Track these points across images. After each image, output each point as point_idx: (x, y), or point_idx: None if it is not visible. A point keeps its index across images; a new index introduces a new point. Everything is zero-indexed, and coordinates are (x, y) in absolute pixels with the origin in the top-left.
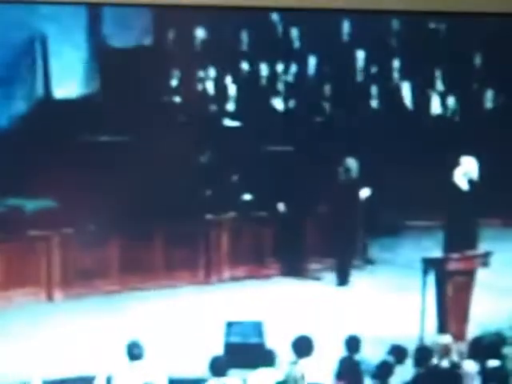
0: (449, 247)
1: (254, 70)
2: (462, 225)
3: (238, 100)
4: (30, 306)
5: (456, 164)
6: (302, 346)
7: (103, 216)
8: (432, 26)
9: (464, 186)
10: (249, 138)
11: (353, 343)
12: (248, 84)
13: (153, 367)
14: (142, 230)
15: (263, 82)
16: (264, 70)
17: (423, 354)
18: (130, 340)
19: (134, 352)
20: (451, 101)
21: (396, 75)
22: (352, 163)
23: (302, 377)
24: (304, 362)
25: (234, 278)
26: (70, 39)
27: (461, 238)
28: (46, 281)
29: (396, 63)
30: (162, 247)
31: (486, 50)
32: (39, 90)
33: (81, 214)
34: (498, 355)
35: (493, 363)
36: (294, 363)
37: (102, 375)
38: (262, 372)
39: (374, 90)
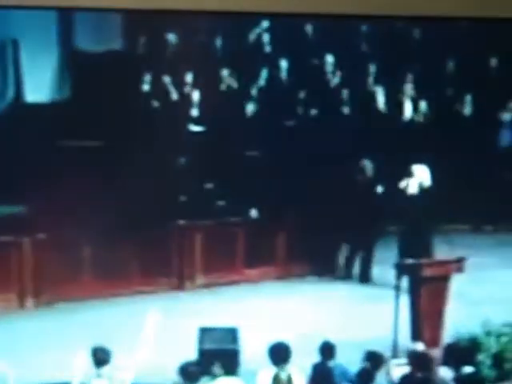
0: (402, 255)
1: (227, 75)
2: (415, 232)
3: (211, 105)
4: (1, 313)
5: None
6: (279, 353)
7: (75, 221)
8: (403, 30)
9: (415, 194)
10: (222, 143)
11: (327, 349)
12: (221, 89)
13: (120, 373)
14: (115, 236)
15: (235, 86)
16: (236, 74)
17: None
18: (95, 345)
19: (99, 357)
20: (422, 106)
21: (368, 80)
22: (368, 164)
23: (289, 382)
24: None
25: (208, 284)
26: (41, 44)
27: (414, 246)
28: (18, 288)
29: (368, 68)
30: (134, 253)
31: (459, 55)
32: (10, 94)
33: (52, 219)
34: (472, 362)
35: (467, 370)
36: (281, 368)
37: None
38: (235, 380)
39: (345, 94)
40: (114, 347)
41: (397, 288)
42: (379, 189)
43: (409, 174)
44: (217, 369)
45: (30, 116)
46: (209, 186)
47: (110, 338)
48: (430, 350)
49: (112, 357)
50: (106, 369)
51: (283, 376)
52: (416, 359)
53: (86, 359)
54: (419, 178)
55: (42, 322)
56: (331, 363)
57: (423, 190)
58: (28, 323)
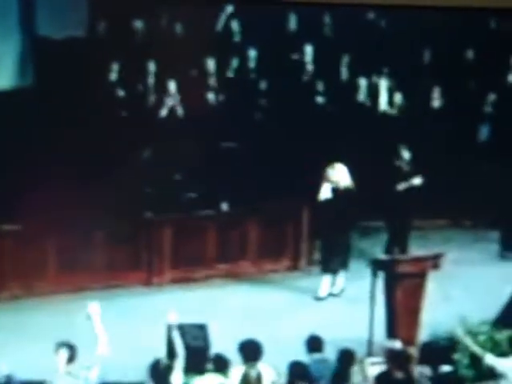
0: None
1: (195, 64)
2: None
3: (180, 94)
4: None
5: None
6: (250, 350)
7: (40, 214)
8: (374, 19)
9: (327, 195)
10: (191, 134)
11: (314, 343)
12: (189, 78)
13: (85, 370)
14: (82, 230)
15: (204, 75)
16: (205, 63)
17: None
18: (60, 342)
19: (59, 352)
20: (398, 98)
21: (344, 71)
22: (406, 153)
23: (259, 380)
24: (259, 365)
25: (177, 279)
26: (2, 30)
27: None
28: None
29: (343, 59)
30: (101, 247)
31: (435, 46)
32: None
33: (18, 211)
34: (449, 360)
35: (445, 368)
36: (251, 366)
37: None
38: (209, 377)
39: (320, 85)
40: (80, 343)
41: (373, 285)
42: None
43: (325, 177)
44: (209, 365)
45: None
46: (177, 177)
47: (77, 333)
48: (406, 348)
49: (77, 353)
50: (70, 366)
51: (252, 374)
52: (394, 357)
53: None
54: (337, 178)
55: (6, 317)
56: (317, 357)
57: (343, 191)
58: None
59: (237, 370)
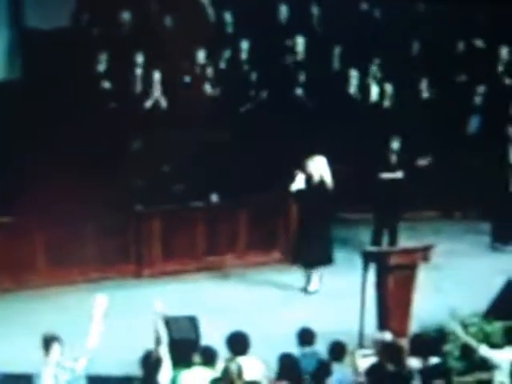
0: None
1: (184, 55)
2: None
3: (169, 86)
4: None
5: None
6: (238, 343)
7: (30, 207)
8: (367, 10)
9: (300, 186)
10: (181, 125)
11: (306, 336)
12: (178, 69)
13: (71, 362)
14: (71, 222)
15: (194, 67)
16: (196, 55)
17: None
18: (45, 335)
19: (51, 345)
20: (388, 89)
21: (335, 62)
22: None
23: (239, 374)
24: (241, 359)
25: (167, 271)
26: None
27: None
28: None
29: (335, 50)
30: (91, 240)
31: (426, 38)
32: None
33: (6, 205)
34: (439, 352)
35: (433, 360)
36: (231, 360)
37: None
38: (197, 370)
39: (309, 76)
40: (70, 336)
41: (363, 277)
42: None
43: (303, 167)
44: (196, 358)
45: None
46: (167, 169)
47: (66, 326)
48: (397, 340)
49: (63, 345)
50: (58, 358)
51: (233, 367)
52: (385, 349)
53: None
54: (312, 170)
55: None
56: (307, 350)
57: (318, 183)
58: None
59: (221, 364)
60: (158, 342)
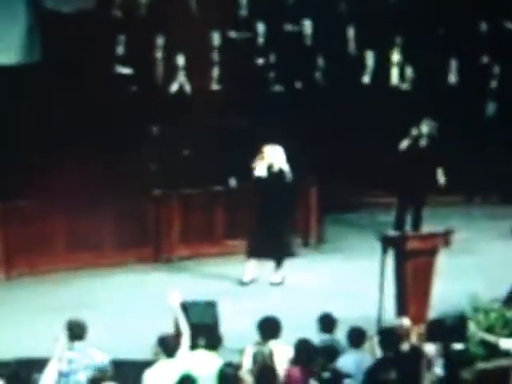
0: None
1: (205, 37)
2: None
3: (189, 69)
4: None
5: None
6: (269, 328)
7: (48, 191)
8: None
9: (263, 174)
10: (200, 110)
11: (327, 322)
12: (197, 52)
13: (96, 348)
14: (90, 207)
15: (214, 50)
16: (215, 37)
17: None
18: (71, 319)
19: (76, 331)
20: (410, 72)
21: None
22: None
23: (271, 357)
24: (270, 343)
25: (186, 256)
26: (10, 5)
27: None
28: None
29: (351, 32)
30: (109, 223)
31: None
32: None
33: (26, 188)
34: (460, 338)
35: (457, 346)
36: (262, 344)
37: (53, 357)
38: (200, 353)
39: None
40: (87, 320)
41: (382, 262)
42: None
43: (261, 156)
44: (201, 341)
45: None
46: (186, 153)
47: (83, 310)
48: (415, 326)
49: (86, 332)
50: (79, 343)
51: (265, 351)
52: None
53: (63, 335)
54: (274, 158)
55: (14, 295)
56: (326, 337)
57: (278, 173)
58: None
59: (250, 348)
60: (178, 332)
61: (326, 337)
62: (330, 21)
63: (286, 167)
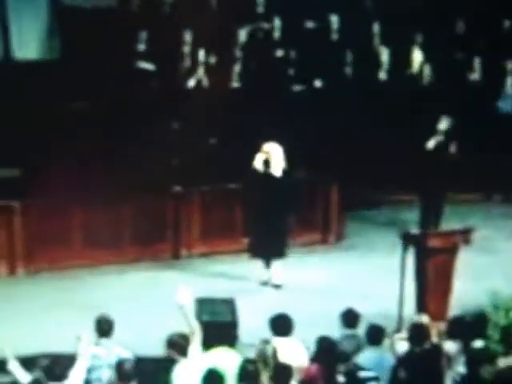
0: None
1: (226, 32)
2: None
3: (209, 64)
4: None
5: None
6: (281, 325)
7: (67, 187)
8: None
9: (261, 168)
10: (220, 105)
11: (350, 318)
12: (218, 48)
13: (118, 347)
14: (108, 202)
15: (236, 45)
16: (237, 32)
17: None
18: (100, 315)
19: (104, 328)
20: (429, 68)
21: (374, 41)
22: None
23: (274, 355)
24: (278, 340)
25: (205, 253)
26: (28, 0)
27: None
28: (8, 254)
29: (374, 28)
30: (128, 220)
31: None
32: None
33: (43, 185)
34: (480, 335)
35: (477, 344)
36: (266, 341)
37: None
38: (229, 351)
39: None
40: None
41: (402, 259)
42: None
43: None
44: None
45: (19, 75)
46: (205, 149)
47: (102, 306)
48: (435, 324)
49: (113, 329)
50: (106, 341)
51: (268, 350)
52: (411, 331)
53: (89, 333)
54: (272, 156)
55: (32, 290)
56: (348, 332)
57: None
58: (19, 291)
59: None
60: (191, 330)
61: (348, 332)
62: (354, 18)
63: (283, 165)
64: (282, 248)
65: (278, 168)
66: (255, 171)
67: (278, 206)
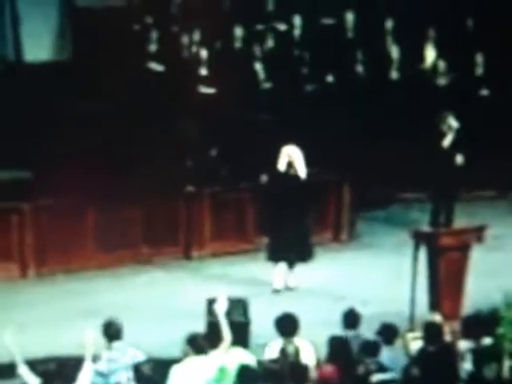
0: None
1: (235, 33)
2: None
3: (218, 65)
4: (3, 283)
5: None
6: (287, 325)
7: (80, 188)
8: None
9: (283, 167)
10: (229, 106)
11: (351, 318)
12: (231, 47)
13: (132, 349)
14: (120, 204)
15: (243, 45)
16: (244, 33)
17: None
18: (107, 320)
19: (112, 331)
20: (442, 65)
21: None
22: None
23: (297, 353)
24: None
25: (217, 253)
26: (40, 2)
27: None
28: (20, 256)
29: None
30: (141, 220)
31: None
32: (10, 53)
33: (57, 186)
34: (492, 334)
35: (486, 341)
36: (288, 341)
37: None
38: (240, 351)
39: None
40: (120, 319)
41: (414, 258)
42: None
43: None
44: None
45: (31, 77)
46: (216, 150)
47: (115, 307)
48: (448, 323)
49: (123, 332)
50: (118, 343)
51: (290, 349)
52: (425, 330)
53: (95, 335)
54: (293, 158)
55: (44, 292)
56: (351, 333)
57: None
58: (30, 294)
59: (275, 344)
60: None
61: (350, 333)
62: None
63: (303, 168)
64: (310, 251)
65: (302, 170)
66: (279, 173)
67: (301, 209)
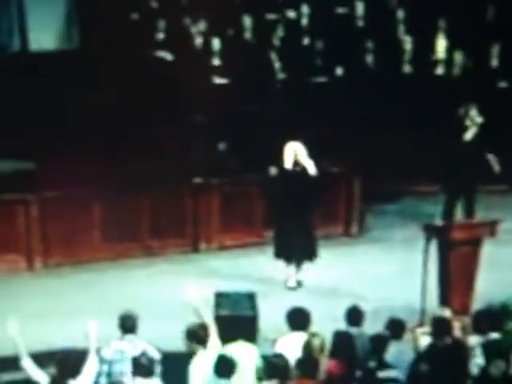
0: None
1: (246, 23)
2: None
3: (228, 56)
4: (9, 275)
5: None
6: (298, 319)
7: (85, 179)
8: None
9: (290, 164)
10: (240, 97)
11: (354, 315)
12: (240, 38)
13: (143, 343)
14: (127, 195)
15: (253, 35)
16: (253, 22)
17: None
18: (124, 312)
19: (128, 324)
20: (457, 57)
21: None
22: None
23: (321, 349)
24: (301, 334)
25: (224, 246)
26: None
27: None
28: (26, 248)
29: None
30: (148, 213)
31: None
32: (16, 42)
33: (62, 177)
34: (500, 328)
35: (494, 335)
36: (313, 334)
37: (92, 348)
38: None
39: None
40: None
41: (425, 252)
42: None
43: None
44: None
45: (38, 67)
46: (225, 142)
47: (122, 302)
48: (459, 318)
49: (137, 325)
50: (130, 336)
51: (316, 343)
52: (434, 325)
53: (96, 328)
54: (299, 155)
55: (52, 285)
56: (355, 330)
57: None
58: (37, 286)
59: (290, 338)
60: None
61: (354, 330)
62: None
63: (311, 163)
64: (314, 250)
65: (311, 165)
66: (285, 169)
67: (307, 205)
